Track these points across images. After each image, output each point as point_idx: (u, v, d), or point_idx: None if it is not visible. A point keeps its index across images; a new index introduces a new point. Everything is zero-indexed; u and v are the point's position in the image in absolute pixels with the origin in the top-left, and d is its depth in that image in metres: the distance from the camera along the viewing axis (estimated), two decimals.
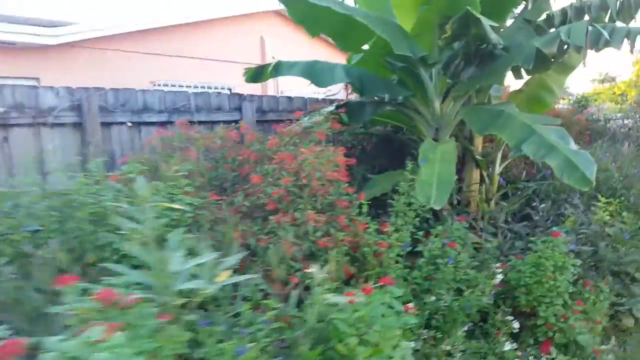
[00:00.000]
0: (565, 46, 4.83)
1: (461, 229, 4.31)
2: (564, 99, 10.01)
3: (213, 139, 4.68)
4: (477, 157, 5.88)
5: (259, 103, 6.51)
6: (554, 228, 5.15)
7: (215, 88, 9.80)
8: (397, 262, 3.82)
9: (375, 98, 5.57)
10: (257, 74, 5.23)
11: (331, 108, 5.58)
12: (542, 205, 5.44)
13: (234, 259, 2.69)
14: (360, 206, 4.07)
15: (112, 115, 5.15)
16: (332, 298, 2.83)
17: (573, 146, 4.31)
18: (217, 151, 4.65)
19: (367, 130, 6.72)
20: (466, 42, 5.07)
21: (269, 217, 3.83)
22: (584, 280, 4.38)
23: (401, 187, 4.19)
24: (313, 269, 3.04)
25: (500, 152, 6.16)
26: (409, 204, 4.13)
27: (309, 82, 4.94)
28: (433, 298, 3.68)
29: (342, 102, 5.70)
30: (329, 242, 3.71)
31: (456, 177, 5.97)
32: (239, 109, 6.28)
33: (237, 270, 3.51)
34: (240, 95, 6.36)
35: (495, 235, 5.46)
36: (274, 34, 11.51)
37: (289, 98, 6.95)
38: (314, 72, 4.90)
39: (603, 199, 5.67)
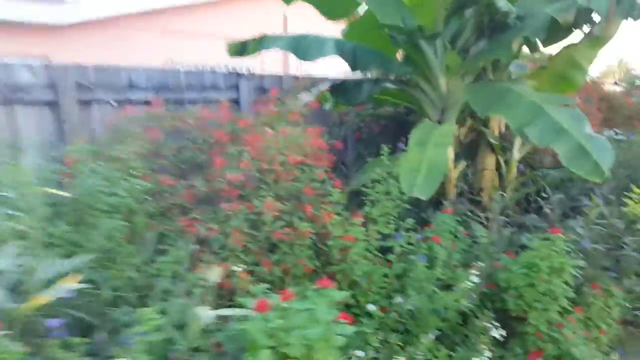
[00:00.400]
0: (588, 14, 4.17)
1: (447, 222, 3.79)
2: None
3: (185, 118, 4.33)
4: (491, 140, 5.27)
5: (259, 81, 6.12)
6: (570, 222, 4.55)
7: (234, 69, 9.48)
8: (366, 257, 3.37)
9: (374, 76, 5.06)
10: (241, 49, 4.81)
11: (326, 86, 5.11)
12: (558, 196, 4.78)
13: (79, 261, 2.29)
14: (340, 194, 3.63)
15: (93, 93, 4.90)
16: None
17: (588, 130, 3.68)
18: (191, 132, 4.31)
19: (376, 111, 6.22)
20: (476, 10, 4.48)
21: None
22: (592, 283, 3.77)
23: (379, 174, 3.72)
24: (210, 269, 2.64)
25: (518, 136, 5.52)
26: (387, 193, 3.64)
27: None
28: (400, 299, 3.20)
29: (338, 81, 5.22)
30: (286, 235, 3.29)
31: (466, 163, 5.46)
32: (235, 87, 5.92)
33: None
34: (238, 73, 6.00)
35: (506, 227, 4.88)
36: (297, 12, 11.00)
37: (295, 77, 6.51)
38: (301, 45, 4.45)
39: (638, 190, 4.96)
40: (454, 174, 5.03)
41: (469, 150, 5.52)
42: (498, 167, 5.60)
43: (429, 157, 3.91)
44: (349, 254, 3.33)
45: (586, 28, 4.53)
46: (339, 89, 5.03)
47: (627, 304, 4.05)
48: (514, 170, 5.52)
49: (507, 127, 6.18)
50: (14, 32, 7.12)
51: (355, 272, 3.26)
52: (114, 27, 8.07)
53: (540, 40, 4.18)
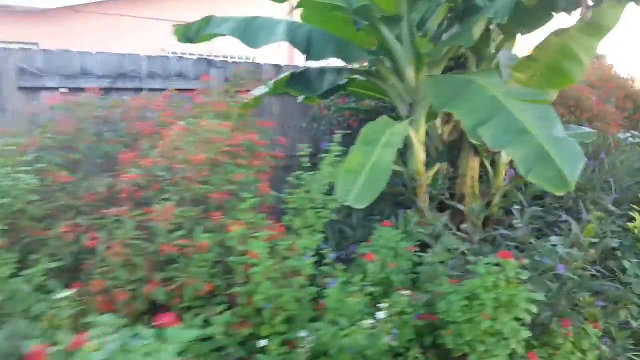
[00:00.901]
0: None
1: (388, 237, 3.14)
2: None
3: (115, 107, 3.82)
4: (473, 140, 4.54)
5: (234, 70, 5.57)
6: (552, 238, 3.79)
7: (238, 58, 8.96)
8: (272, 278, 2.77)
9: (337, 65, 4.42)
10: (188, 33, 4.23)
11: (286, 75, 4.50)
12: (533, 209, 4.01)
13: None
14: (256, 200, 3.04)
15: (40, 80, 4.48)
16: None
17: (557, 131, 2.95)
18: (119, 123, 3.80)
19: (357, 104, 5.57)
20: None
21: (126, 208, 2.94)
22: (563, 319, 3.04)
23: (306, 177, 3.12)
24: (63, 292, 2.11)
25: None
26: (311, 200, 3.03)
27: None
28: (304, 333, 2.59)
29: (299, 70, 4.60)
30: (180, 248, 2.74)
31: (447, 166, 4.77)
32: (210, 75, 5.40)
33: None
34: (209, 61, 5.47)
35: (486, 241, 4.17)
36: None
37: (277, 66, 5.93)
38: (250, 30, 3.86)
39: None
40: (425, 178, 4.34)
41: (450, 151, 4.81)
42: (485, 171, 4.88)
43: (374, 159, 3.26)
44: (253, 273, 2.74)
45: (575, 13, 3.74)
46: (300, 79, 4.41)
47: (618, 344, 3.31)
48: (502, 176, 4.77)
49: None
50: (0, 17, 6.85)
51: (258, 297, 2.68)
52: (106, 12, 7.69)
53: (504, 22, 3.41)
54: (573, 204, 4.70)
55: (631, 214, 4.33)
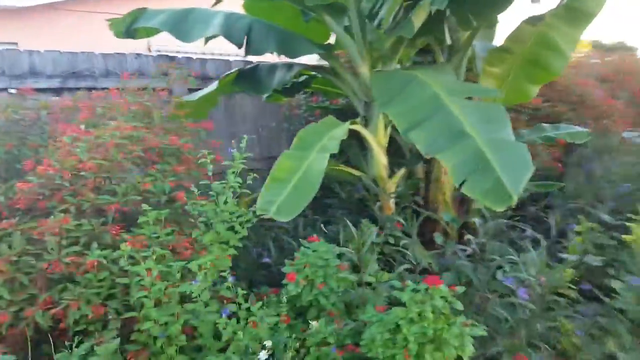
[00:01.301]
0: None
1: (317, 253, 2.76)
2: None
3: (39, 109, 3.52)
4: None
5: (199, 67, 5.24)
6: (525, 256, 3.33)
7: (227, 55, 8.63)
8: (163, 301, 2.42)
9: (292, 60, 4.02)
10: (123, 28, 3.89)
11: (233, 72, 4.14)
12: (500, 221, 3.55)
13: None
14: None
15: None
16: None
17: (504, 135, 2.51)
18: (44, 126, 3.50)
19: (329, 104, 5.18)
20: None
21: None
22: (517, 356, 2.59)
23: (214, 186, 2.75)
24: None
25: None
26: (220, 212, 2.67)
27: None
28: None
29: (250, 66, 4.22)
30: (68, 266, 2.42)
31: (421, 166, 4.35)
32: (165, 74, 5.08)
33: None
34: (170, 58, 5.16)
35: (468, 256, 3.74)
36: None
37: (247, 62, 5.57)
38: (183, 23, 3.49)
39: None
40: (390, 184, 3.92)
41: None
42: None
43: (305, 166, 2.87)
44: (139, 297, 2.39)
45: None
46: (250, 76, 4.04)
47: None
48: None
49: None
50: None
51: (147, 324, 2.33)
52: (94, 10, 7.47)
53: (442, 8, 2.94)
54: (560, 213, 4.21)
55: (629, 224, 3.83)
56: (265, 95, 4.73)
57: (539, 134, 4.37)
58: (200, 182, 2.84)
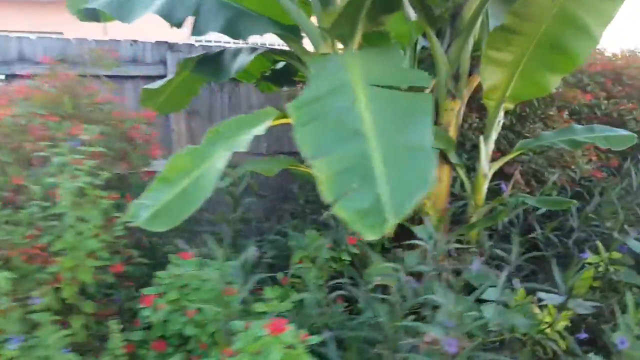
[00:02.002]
0: None
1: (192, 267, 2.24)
2: None
3: None
4: (437, 144, 3.36)
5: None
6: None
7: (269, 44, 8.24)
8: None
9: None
10: (79, 10, 3.57)
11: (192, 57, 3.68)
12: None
13: None
14: None
15: None
16: None
17: (415, 137, 1.81)
18: None
19: None
20: None
21: None
22: None
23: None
24: None
25: (494, 133, 3.47)
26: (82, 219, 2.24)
27: None
28: None
29: (215, 50, 3.73)
30: None
31: None
32: (163, 62, 4.80)
33: None
34: (169, 45, 4.84)
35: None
36: None
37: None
38: (126, 3, 3.12)
39: None
40: None
41: None
42: (459, 184, 3.65)
43: (205, 167, 2.35)
44: None
45: None
46: (212, 60, 3.56)
47: None
48: (482, 191, 3.50)
49: (478, 117, 4.16)
50: (29, 8, 6.88)
51: None
52: None
53: None
54: (581, 238, 3.31)
55: None
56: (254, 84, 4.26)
57: (562, 137, 3.46)
58: None
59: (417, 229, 3.14)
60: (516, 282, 2.70)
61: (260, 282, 2.90)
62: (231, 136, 2.53)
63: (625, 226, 3.20)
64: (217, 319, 2.19)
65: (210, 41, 5.78)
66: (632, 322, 2.04)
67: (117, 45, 4.63)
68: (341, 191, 1.70)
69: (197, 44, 4.93)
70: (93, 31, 4.81)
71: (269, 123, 2.55)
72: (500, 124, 3.51)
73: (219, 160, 2.36)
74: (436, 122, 3.48)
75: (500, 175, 4.12)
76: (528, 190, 4.05)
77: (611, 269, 2.95)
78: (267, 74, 3.93)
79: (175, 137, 4.79)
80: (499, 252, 3.26)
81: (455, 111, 3.43)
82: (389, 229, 1.58)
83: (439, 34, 3.52)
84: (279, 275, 2.97)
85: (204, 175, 2.32)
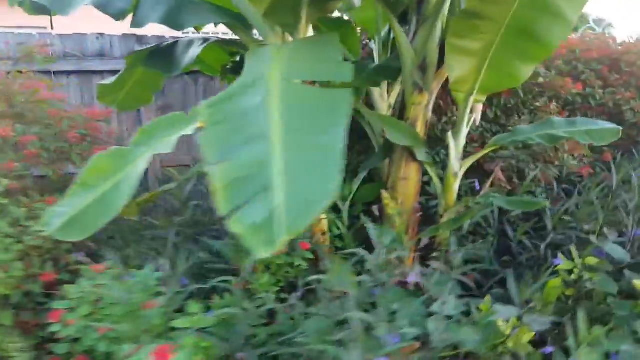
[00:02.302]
0: None
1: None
2: None
3: None
4: (403, 141, 3.15)
5: None
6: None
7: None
8: None
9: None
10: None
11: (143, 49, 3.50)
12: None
13: None
14: None
15: None
16: None
17: (327, 139, 1.61)
18: None
19: None
20: None
21: None
22: None
23: None
24: None
25: (464, 128, 3.24)
26: None
27: None
28: None
29: (169, 42, 3.55)
30: None
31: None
32: None
33: None
34: (138, 38, 4.67)
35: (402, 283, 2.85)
36: None
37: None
38: None
39: None
40: None
41: (388, 149, 3.44)
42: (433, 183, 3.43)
43: (129, 169, 2.18)
44: None
45: None
46: (164, 52, 3.37)
47: None
48: (453, 190, 3.28)
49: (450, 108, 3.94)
50: None
51: None
52: None
53: None
54: (552, 238, 3.07)
55: None
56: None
57: (539, 132, 3.22)
58: None
59: (373, 233, 2.95)
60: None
61: (212, 290, 2.76)
62: (161, 136, 2.35)
63: (605, 229, 2.96)
64: (133, 336, 2.02)
65: (187, 33, 5.61)
66: (582, 344, 1.83)
67: (84, 38, 4.47)
68: (237, 203, 1.51)
69: (168, 37, 4.75)
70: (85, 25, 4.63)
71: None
72: (472, 118, 3.28)
73: (142, 162, 2.18)
74: (402, 117, 3.26)
75: (480, 172, 3.90)
76: (510, 188, 3.81)
77: (586, 275, 2.71)
78: (228, 66, 3.74)
79: None
80: (469, 255, 3.06)
81: (422, 105, 3.20)
82: (280, 246, 1.39)
83: (406, 21, 3.30)
84: (233, 282, 2.80)
85: (126, 180, 2.15)
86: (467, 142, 3.65)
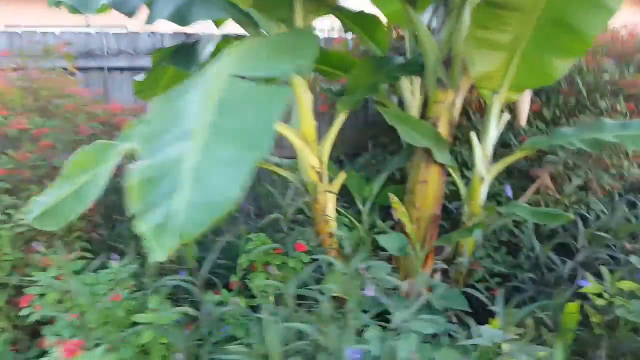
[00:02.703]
0: None
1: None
2: None
3: None
4: (422, 142, 2.93)
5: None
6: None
7: None
8: None
9: None
10: None
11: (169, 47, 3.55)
12: None
13: None
14: None
15: None
16: None
17: (256, 145, 1.49)
18: None
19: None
20: None
21: None
22: None
23: None
24: None
25: (494, 126, 2.93)
26: None
27: None
28: None
29: (193, 39, 3.55)
30: None
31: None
32: None
33: None
34: (187, 35, 4.79)
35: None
36: None
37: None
38: None
39: None
40: (329, 194, 2.96)
41: (408, 151, 3.23)
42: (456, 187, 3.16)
43: (109, 163, 2.23)
44: None
45: None
46: (187, 49, 3.39)
47: None
48: (478, 196, 2.99)
49: (478, 107, 3.61)
50: None
51: None
52: None
53: None
54: (584, 259, 2.70)
55: None
56: None
57: (582, 135, 2.83)
58: None
59: (381, 238, 2.78)
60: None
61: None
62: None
63: None
64: (97, 327, 2.06)
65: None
66: None
67: (137, 37, 4.68)
68: (146, 202, 1.46)
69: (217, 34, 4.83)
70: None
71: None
72: (505, 118, 2.97)
73: (117, 157, 2.21)
74: (423, 116, 3.04)
75: (527, 177, 3.56)
76: (559, 196, 3.42)
77: (618, 302, 2.35)
78: None
79: None
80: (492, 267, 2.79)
81: (446, 103, 2.95)
82: (172, 250, 1.32)
83: (434, 12, 3.07)
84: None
85: (102, 173, 2.19)
86: (512, 144, 3.35)
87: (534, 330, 2.28)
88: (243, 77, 1.73)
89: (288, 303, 2.10)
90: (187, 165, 1.46)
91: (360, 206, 3.32)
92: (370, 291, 2.07)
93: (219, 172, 1.43)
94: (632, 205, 3.42)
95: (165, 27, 4.98)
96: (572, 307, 2.30)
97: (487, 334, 1.98)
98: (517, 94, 2.86)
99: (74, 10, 3.29)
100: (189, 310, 2.11)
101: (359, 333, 2.02)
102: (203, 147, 1.50)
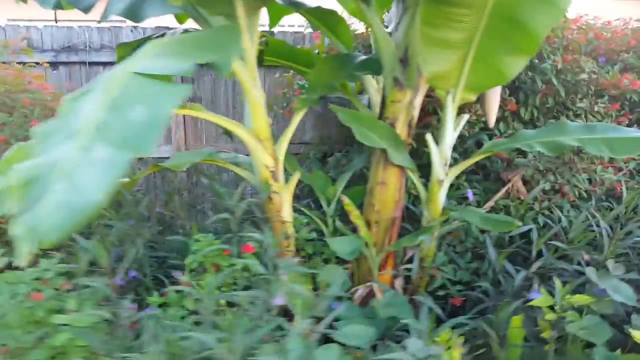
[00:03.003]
0: None
1: None
2: None
3: None
4: (379, 143, 2.84)
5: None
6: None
7: None
8: None
9: None
10: None
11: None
12: None
13: None
14: None
15: None
16: None
17: (136, 146, 1.44)
18: None
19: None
20: None
21: None
22: None
23: None
24: None
25: (451, 128, 2.83)
26: None
27: None
28: None
29: (161, 32, 3.50)
30: None
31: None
32: None
33: None
34: (170, 29, 4.78)
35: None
36: None
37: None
38: None
39: None
40: (285, 194, 2.91)
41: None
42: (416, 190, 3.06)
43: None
44: None
45: None
46: None
47: None
48: (437, 200, 2.89)
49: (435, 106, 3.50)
50: None
51: None
52: None
53: None
54: (538, 267, 2.58)
55: None
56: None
57: (543, 138, 2.71)
58: None
59: (333, 241, 2.72)
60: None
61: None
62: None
63: (610, 261, 2.43)
64: (18, 325, 2.05)
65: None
66: None
67: (119, 31, 4.68)
68: (24, 203, 1.43)
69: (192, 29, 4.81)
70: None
71: None
72: (464, 119, 2.87)
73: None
74: (380, 116, 2.95)
75: (499, 181, 3.45)
76: (530, 201, 3.30)
77: (569, 317, 2.24)
78: None
79: (174, 124, 4.75)
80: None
81: (404, 103, 2.86)
82: (28, 255, 1.29)
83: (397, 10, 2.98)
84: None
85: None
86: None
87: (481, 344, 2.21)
88: (146, 75, 1.69)
89: (207, 309, 2.06)
90: (65, 165, 1.42)
91: (325, 207, 3.25)
92: (279, 299, 2.00)
93: (89, 173, 1.39)
94: (609, 210, 3.28)
95: (150, 22, 4.99)
96: (516, 321, 2.21)
97: (413, 347, 1.90)
98: (473, 94, 2.76)
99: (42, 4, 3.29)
100: (106, 314, 2.08)
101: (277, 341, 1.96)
102: (83, 147, 1.46)
